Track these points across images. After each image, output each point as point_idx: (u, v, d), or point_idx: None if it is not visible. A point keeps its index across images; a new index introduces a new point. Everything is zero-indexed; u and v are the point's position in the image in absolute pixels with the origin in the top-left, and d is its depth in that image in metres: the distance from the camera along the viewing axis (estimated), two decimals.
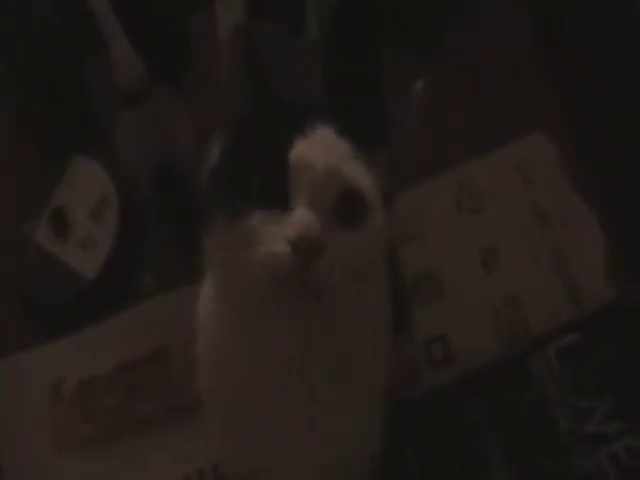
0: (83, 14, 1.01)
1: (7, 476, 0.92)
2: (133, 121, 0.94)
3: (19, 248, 1.01)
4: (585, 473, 0.82)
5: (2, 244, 1.02)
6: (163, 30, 1.07)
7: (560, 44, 1.10)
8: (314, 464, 0.65)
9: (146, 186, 0.96)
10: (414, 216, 0.97)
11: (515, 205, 0.98)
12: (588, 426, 0.83)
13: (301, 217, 0.53)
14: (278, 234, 0.53)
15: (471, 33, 1.07)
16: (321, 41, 1.04)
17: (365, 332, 0.62)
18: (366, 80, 0.94)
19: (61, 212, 1.01)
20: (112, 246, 0.97)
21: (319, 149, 0.54)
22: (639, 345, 0.87)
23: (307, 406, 0.61)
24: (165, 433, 0.90)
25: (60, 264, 0.98)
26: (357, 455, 0.68)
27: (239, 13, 1.09)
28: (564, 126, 1.00)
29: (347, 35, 1.00)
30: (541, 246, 0.96)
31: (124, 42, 0.89)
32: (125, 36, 0.89)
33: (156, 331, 0.94)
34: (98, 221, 0.99)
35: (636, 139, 0.99)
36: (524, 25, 1.09)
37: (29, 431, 0.93)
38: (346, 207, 0.54)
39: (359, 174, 0.55)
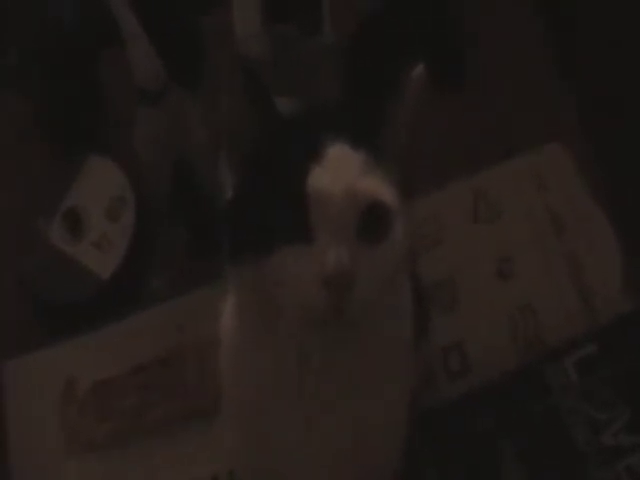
0: (99, 12, 1.01)
1: (16, 477, 0.91)
2: (150, 119, 0.93)
3: (31, 247, 1.00)
4: None
5: (14, 243, 1.01)
6: (178, 29, 1.07)
7: (572, 48, 1.10)
8: (337, 474, 0.64)
9: (161, 187, 0.96)
10: (430, 224, 0.97)
11: (531, 214, 0.98)
12: (605, 437, 0.83)
13: (329, 254, 0.52)
14: (306, 270, 0.52)
15: (485, 40, 1.07)
16: (342, 46, 1.03)
17: (392, 340, 0.62)
18: (384, 87, 0.94)
19: (75, 211, 1.00)
20: (128, 246, 0.97)
21: (334, 173, 0.53)
22: None
23: (331, 417, 0.61)
24: (179, 437, 0.89)
25: (74, 264, 0.97)
26: (379, 465, 0.68)
27: (255, 14, 1.09)
28: (581, 134, 1.00)
29: (371, 44, 0.99)
30: (557, 255, 0.95)
31: (143, 39, 0.88)
32: (144, 33, 0.89)
33: (170, 334, 0.93)
34: (114, 221, 0.98)
35: None
36: (537, 31, 1.08)
37: (40, 432, 0.93)
38: (371, 222, 0.53)
39: (378, 186, 0.54)
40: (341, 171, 0.53)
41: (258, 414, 0.63)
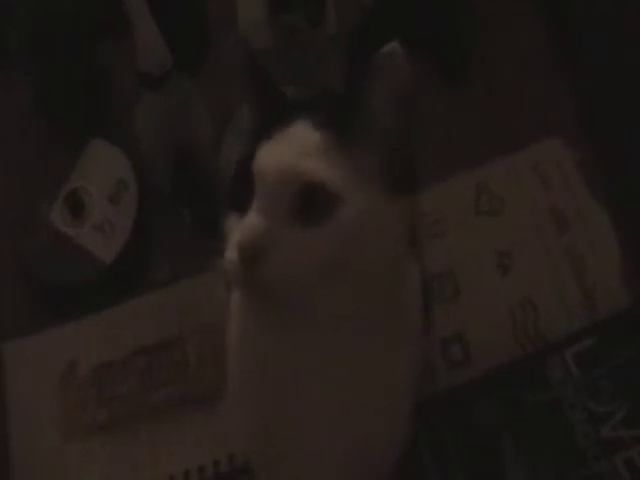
0: None
1: (16, 460, 0.91)
2: (153, 105, 0.93)
3: (33, 230, 0.99)
4: (600, 477, 0.82)
5: (16, 225, 1.01)
6: (182, 13, 1.06)
7: (572, 48, 1.10)
8: (340, 451, 0.64)
9: (163, 171, 0.95)
10: (431, 216, 0.97)
11: (532, 208, 0.98)
12: (604, 430, 0.84)
13: (243, 224, 0.53)
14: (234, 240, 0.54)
15: (487, 37, 1.07)
16: (345, 37, 1.04)
17: (397, 328, 0.62)
18: None
19: (77, 194, 0.99)
20: (130, 230, 0.96)
21: (274, 151, 0.54)
22: None
23: (333, 397, 0.60)
24: (179, 422, 0.89)
25: (76, 247, 0.97)
26: (383, 446, 0.67)
27: (260, 3, 1.09)
28: (581, 134, 1.00)
29: (374, 36, 0.99)
30: (557, 249, 0.95)
31: (151, 24, 0.88)
32: (150, 15, 0.88)
33: (171, 318, 0.93)
34: (116, 205, 0.98)
35: None
36: (539, 27, 1.09)
37: (40, 415, 0.92)
38: (308, 204, 0.53)
39: (324, 169, 0.53)
40: (283, 149, 0.54)
41: (264, 395, 0.63)
